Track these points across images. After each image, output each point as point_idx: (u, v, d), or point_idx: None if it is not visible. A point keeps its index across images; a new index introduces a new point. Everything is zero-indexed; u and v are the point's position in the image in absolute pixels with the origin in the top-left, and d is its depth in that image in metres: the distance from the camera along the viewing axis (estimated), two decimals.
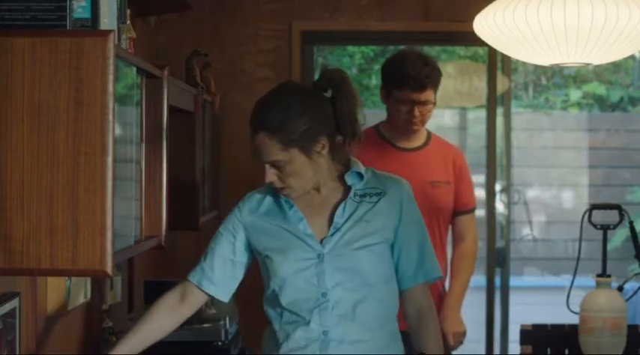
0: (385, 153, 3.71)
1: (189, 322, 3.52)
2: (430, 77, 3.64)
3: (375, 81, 6.90)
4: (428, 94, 3.66)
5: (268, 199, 2.70)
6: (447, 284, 3.86)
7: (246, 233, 2.70)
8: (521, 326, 3.73)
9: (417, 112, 3.67)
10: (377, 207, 2.66)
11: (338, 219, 2.64)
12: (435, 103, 3.71)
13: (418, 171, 3.67)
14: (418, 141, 3.79)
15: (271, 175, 2.58)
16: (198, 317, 3.59)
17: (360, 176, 2.68)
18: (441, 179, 3.75)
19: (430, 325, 2.73)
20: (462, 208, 3.82)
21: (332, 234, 2.63)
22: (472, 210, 3.86)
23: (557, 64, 3.37)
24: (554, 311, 4.06)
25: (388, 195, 2.68)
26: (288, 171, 2.57)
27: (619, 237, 6.49)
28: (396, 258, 2.70)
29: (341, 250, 2.62)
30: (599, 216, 3.55)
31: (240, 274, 2.73)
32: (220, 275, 2.70)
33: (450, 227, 3.85)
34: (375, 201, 2.67)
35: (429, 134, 3.83)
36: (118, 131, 2.18)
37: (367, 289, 2.63)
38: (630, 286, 3.66)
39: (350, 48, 6.77)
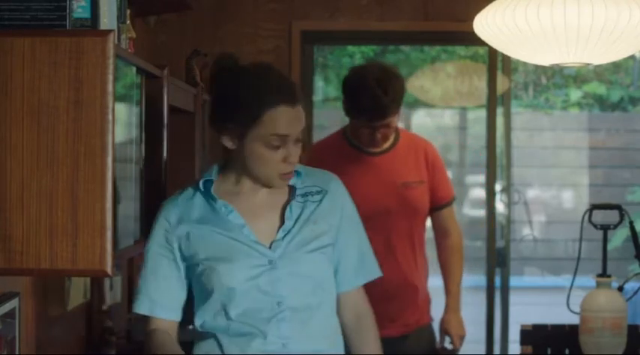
0: (353, 159, 3.59)
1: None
2: (390, 107, 3.46)
3: None
4: (388, 120, 3.50)
5: (197, 204, 2.48)
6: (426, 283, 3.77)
7: (179, 245, 2.47)
8: (522, 326, 3.73)
9: (378, 135, 3.53)
10: (321, 207, 2.52)
11: (288, 221, 2.47)
12: (399, 117, 3.56)
13: (389, 175, 3.57)
14: (386, 143, 3.64)
15: (297, 154, 2.44)
16: None
17: (299, 173, 2.52)
18: (413, 179, 3.61)
19: (371, 331, 2.61)
20: (440, 202, 3.70)
21: (282, 238, 2.46)
22: (451, 202, 3.75)
23: (557, 64, 3.37)
24: (554, 311, 4.05)
25: (330, 193, 2.54)
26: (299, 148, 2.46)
27: (619, 237, 6.49)
28: (337, 258, 2.55)
29: (294, 254, 2.45)
30: (599, 216, 3.54)
31: (186, 289, 2.52)
32: (171, 297, 2.50)
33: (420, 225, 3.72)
34: (318, 199, 2.52)
35: (397, 132, 3.67)
36: (117, 131, 2.18)
37: (322, 295, 2.50)
38: (630, 286, 3.66)
39: (350, 48, 6.76)
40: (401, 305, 3.58)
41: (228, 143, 2.47)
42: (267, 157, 2.42)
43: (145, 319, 2.52)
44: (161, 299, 2.49)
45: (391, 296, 3.52)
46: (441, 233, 3.74)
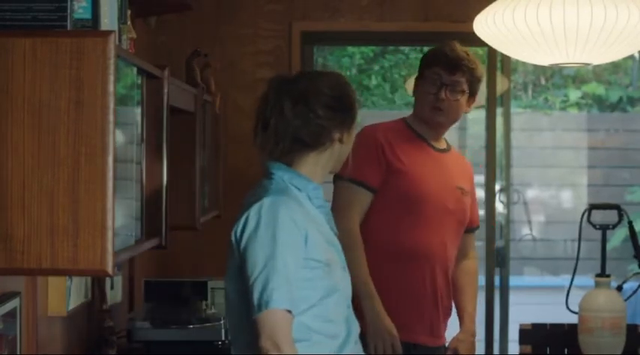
0: (420, 148, 3.40)
1: (189, 322, 3.54)
2: (465, 62, 3.34)
3: (374, 81, 6.91)
4: (459, 78, 3.34)
5: (304, 203, 2.49)
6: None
7: (305, 242, 2.43)
8: (521, 325, 3.73)
9: (443, 95, 3.32)
10: None
11: (332, 223, 2.60)
12: (467, 96, 3.36)
13: (449, 175, 3.41)
14: (443, 143, 3.48)
15: None
16: (198, 317, 3.60)
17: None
18: (464, 186, 3.46)
19: None
20: (471, 225, 3.53)
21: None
22: (477, 229, 3.62)
23: (556, 64, 3.38)
24: (553, 311, 4.06)
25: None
26: None
27: (618, 236, 6.50)
28: None
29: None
30: (598, 216, 3.55)
31: None
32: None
33: None
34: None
35: (447, 143, 3.53)
36: (118, 131, 2.18)
37: None
38: (629, 286, 3.67)
39: (350, 48, 6.77)
40: (443, 313, 3.41)
41: None
42: None
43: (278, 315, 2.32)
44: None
45: (439, 302, 3.36)
46: (461, 255, 3.53)
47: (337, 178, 3.24)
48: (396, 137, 3.37)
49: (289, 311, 2.32)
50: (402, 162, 3.31)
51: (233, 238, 2.42)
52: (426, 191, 3.30)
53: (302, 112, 2.45)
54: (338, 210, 3.11)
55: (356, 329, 2.54)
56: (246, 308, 2.36)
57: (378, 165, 3.29)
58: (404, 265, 3.27)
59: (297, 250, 2.37)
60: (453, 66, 3.34)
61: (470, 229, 3.55)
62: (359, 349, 2.54)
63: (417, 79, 3.44)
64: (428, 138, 3.43)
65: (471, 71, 3.36)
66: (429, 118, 3.39)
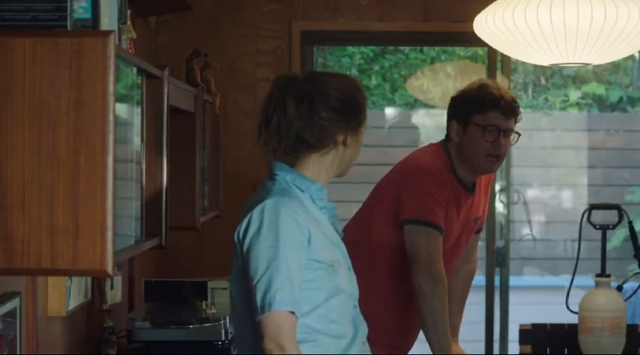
0: (457, 200, 3.29)
1: (189, 322, 3.54)
2: (517, 104, 3.24)
3: (374, 81, 6.91)
4: (513, 123, 3.23)
5: (307, 204, 2.46)
6: None
7: (308, 241, 2.41)
8: (521, 325, 3.73)
9: (502, 141, 3.20)
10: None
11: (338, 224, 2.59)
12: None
13: (469, 212, 3.36)
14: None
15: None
16: (198, 317, 3.60)
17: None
18: (479, 214, 3.41)
19: None
20: (478, 226, 3.49)
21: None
22: (482, 229, 3.59)
23: (556, 64, 3.38)
24: (553, 311, 4.06)
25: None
26: None
27: (618, 236, 6.50)
28: None
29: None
30: (598, 216, 3.55)
31: None
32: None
33: None
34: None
35: None
36: (118, 131, 2.18)
37: None
38: (629, 286, 3.67)
39: (350, 48, 6.77)
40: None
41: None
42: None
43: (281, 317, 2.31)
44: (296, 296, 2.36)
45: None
46: (465, 257, 3.51)
47: (421, 223, 3.18)
48: (448, 192, 3.25)
49: (293, 313, 2.31)
50: (445, 214, 3.24)
51: (236, 239, 2.41)
52: (447, 237, 3.25)
53: (305, 112, 2.43)
54: (436, 258, 3.14)
55: (364, 329, 2.53)
56: (250, 308, 2.36)
57: (445, 211, 3.22)
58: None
59: (300, 251, 2.35)
60: (510, 110, 3.22)
61: (478, 230, 3.53)
62: (366, 349, 2.53)
63: (456, 123, 3.28)
64: (467, 184, 3.32)
65: (519, 112, 3.28)
66: (486, 167, 3.28)
